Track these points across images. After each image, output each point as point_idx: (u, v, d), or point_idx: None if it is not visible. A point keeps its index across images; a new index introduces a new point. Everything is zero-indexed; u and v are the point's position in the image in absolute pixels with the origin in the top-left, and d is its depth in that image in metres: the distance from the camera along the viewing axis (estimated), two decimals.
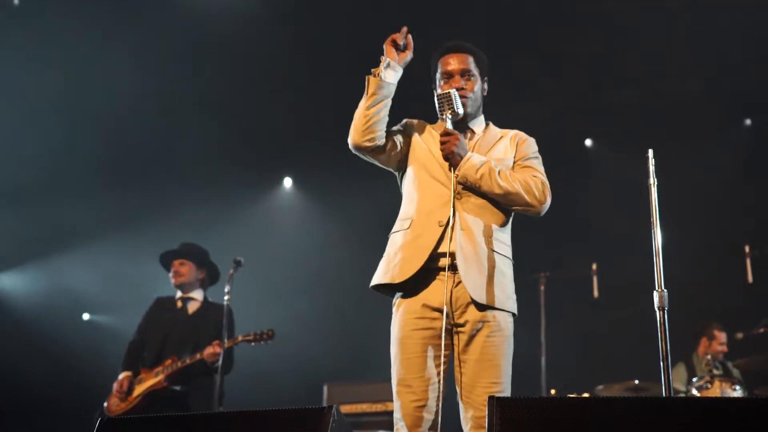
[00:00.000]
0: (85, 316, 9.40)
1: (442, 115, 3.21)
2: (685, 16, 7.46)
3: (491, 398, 2.49)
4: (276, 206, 9.53)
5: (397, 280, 3.10)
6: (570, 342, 7.51)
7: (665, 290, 3.20)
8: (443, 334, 3.03)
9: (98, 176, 8.50)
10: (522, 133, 3.42)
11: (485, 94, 3.42)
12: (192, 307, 5.94)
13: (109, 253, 8.66)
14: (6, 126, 7.91)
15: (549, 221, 8.55)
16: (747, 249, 6.91)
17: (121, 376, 5.72)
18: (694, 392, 6.06)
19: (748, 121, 8.63)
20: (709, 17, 7.35)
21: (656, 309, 3.19)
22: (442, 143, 3.13)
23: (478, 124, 3.39)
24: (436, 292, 3.09)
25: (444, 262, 3.05)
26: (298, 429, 2.70)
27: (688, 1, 7.32)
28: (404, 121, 3.43)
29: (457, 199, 3.13)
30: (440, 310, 3.06)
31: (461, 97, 3.25)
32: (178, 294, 6.03)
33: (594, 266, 7.02)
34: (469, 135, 3.35)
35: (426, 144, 3.31)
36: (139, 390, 5.61)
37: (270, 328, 5.56)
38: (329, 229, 8.78)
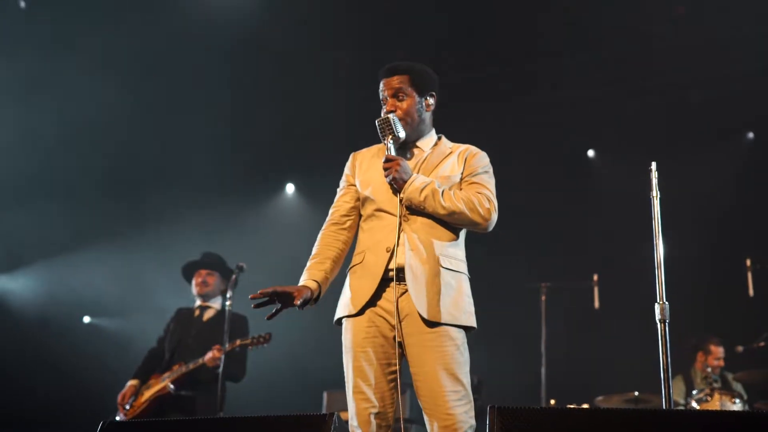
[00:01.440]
0: (86, 319, 9.41)
1: (383, 140, 3.24)
2: (689, 28, 7.48)
3: (492, 407, 2.50)
4: (278, 212, 9.55)
5: (353, 312, 3.16)
6: (570, 353, 7.50)
7: (666, 302, 3.21)
8: (396, 343, 3.08)
9: (105, 180, 8.51)
10: (472, 148, 3.39)
11: (431, 109, 3.39)
12: (208, 314, 6.01)
13: (113, 256, 8.68)
14: (13, 127, 7.92)
15: (550, 232, 8.60)
16: (748, 263, 6.90)
17: (127, 385, 5.78)
18: (694, 405, 6.06)
19: (750, 135, 8.63)
20: (713, 29, 7.38)
21: (657, 321, 3.20)
22: (385, 169, 3.17)
23: (427, 140, 3.38)
24: (385, 302, 3.14)
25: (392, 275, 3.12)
26: None
27: (692, 12, 7.34)
28: (348, 163, 3.47)
29: (405, 221, 3.17)
30: (389, 320, 3.12)
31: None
32: (197, 303, 6.09)
33: (595, 277, 7.02)
34: (416, 153, 3.35)
35: (370, 174, 3.33)
36: (146, 395, 5.64)
37: (267, 332, 5.56)
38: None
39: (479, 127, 7.69)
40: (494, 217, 3.20)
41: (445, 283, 3.11)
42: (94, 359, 8.62)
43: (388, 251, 3.13)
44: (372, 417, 3.05)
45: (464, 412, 3.01)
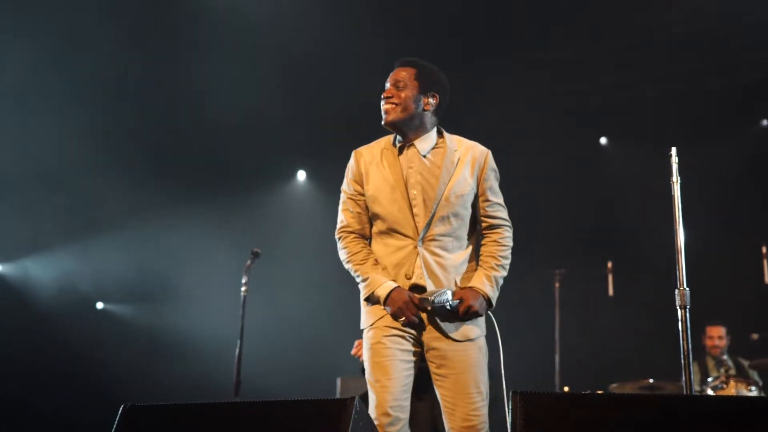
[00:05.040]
0: (99, 305, 9.45)
1: (446, 304, 3.10)
2: (704, 14, 7.41)
3: (515, 392, 2.50)
4: (290, 199, 9.57)
5: (373, 322, 3.22)
6: (584, 340, 7.49)
7: (687, 288, 3.19)
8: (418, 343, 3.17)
9: (121, 166, 8.51)
10: (479, 152, 3.33)
11: (430, 109, 3.30)
12: None
13: (132, 242, 8.71)
14: (37, 112, 7.91)
15: (564, 219, 8.54)
16: (764, 250, 6.86)
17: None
18: (709, 392, 6.05)
19: (765, 122, 8.58)
20: (729, 16, 7.31)
21: (678, 307, 3.18)
22: (467, 313, 3.12)
23: (425, 141, 3.30)
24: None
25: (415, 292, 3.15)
26: (320, 421, 2.69)
27: None
28: (352, 165, 3.36)
29: (420, 246, 3.18)
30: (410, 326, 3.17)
31: (388, 105, 3.26)
32: None
33: (609, 264, 7.01)
34: (412, 156, 3.27)
35: (376, 187, 3.27)
36: None
37: None
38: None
39: (493, 113, 7.65)
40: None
41: None
42: (106, 344, 8.68)
43: (408, 278, 3.17)
44: (393, 409, 3.11)
45: (485, 413, 3.14)
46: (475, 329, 3.17)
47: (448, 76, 3.40)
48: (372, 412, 3.14)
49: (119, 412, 2.79)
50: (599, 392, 5.95)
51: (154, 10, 7.65)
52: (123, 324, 9.13)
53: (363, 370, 5.25)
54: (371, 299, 3.19)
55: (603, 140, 9.00)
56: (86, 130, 7.99)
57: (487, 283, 3.18)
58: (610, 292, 7.00)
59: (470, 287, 3.17)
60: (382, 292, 3.14)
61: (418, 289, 3.14)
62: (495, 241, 3.29)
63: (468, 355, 3.14)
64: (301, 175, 9.68)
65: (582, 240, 8.04)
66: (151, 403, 2.90)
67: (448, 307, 3.09)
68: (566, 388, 6.43)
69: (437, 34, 7.58)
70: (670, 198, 3.34)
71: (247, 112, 8.48)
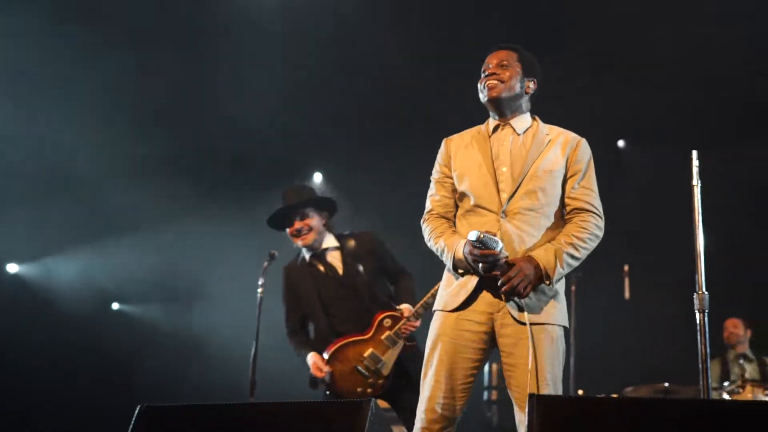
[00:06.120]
0: (115, 306, 9.50)
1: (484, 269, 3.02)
2: (721, 18, 7.35)
3: (531, 396, 2.48)
4: None
5: (452, 308, 3.14)
6: (599, 343, 7.46)
7: (706, 292, 3.18)
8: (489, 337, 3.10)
9: (145, 166, 8.54)
10: (571, 135, 3.29)
11: (530, 92, 3.33)
12: (333, 257, 5.00)
13: (149, 242, 8.75)
14: (57, 112, 7.96)
15: None
16: None
17: (315, 359, 4.94)
18: (725, 397, 6.01)
19: None
20: (747, 24, 7.25)
21: (696, 311, 3.17)
22: (509, 289, 3.00)
23: (521, 121, 3.29)
24: (480, 300, 3.11)
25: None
26: (336, 422, 2.69)
27: (725, 9, 7.22)
28: (442, 151, 3.37)
29: (504, 218, 3.12)
30: (482, 317, 3.11)
31: (494, 81, 3.22)
32: (307, 255, 5.05)
33: (626, 267, 6.96)
34: (507, 134, 3.26)
35: (465, 167, 3.25)
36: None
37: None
38: (359, 225, 8.76)
39: None
40: (603, 225, 3.25)
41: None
42: (123, 345, 8.72)
43: None
44: (441, 407, 3.05)
45: None
46: (543, 315, 3.06)
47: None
48: (421, 404, 3.08)
49: (135, 412, 2.80)
50: (614, 396, 5.93)
51: (177, 13, 7.69)
52: (140, 324, 9.17)
53: (313, 384, 4.99)
54: (459, 266, 3.12)
55: (621, 143, 8.96)
56: (105, 130, 8.04)
57: (548, 254, 3.06)
58: (627, 295, 6.95)
59: (527, 255, 3.08)
60: (459, 254, 3.09)
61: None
62: (575, 223, 3.17)
63: (537, 342, 3.01)
64: (318, 177, 9.69)
65: (599, 243, 7.99)
66: (168, 404, 2.91)
67: (500, 259, 2.98)
68: (581, 392, 6.40)
69: (467, 29, 7.50)
70: (688, 201, 3.32)
71: (268, 112, 8.49)
